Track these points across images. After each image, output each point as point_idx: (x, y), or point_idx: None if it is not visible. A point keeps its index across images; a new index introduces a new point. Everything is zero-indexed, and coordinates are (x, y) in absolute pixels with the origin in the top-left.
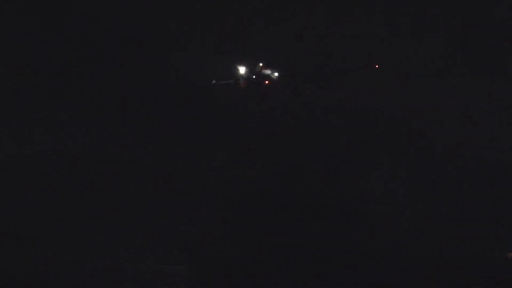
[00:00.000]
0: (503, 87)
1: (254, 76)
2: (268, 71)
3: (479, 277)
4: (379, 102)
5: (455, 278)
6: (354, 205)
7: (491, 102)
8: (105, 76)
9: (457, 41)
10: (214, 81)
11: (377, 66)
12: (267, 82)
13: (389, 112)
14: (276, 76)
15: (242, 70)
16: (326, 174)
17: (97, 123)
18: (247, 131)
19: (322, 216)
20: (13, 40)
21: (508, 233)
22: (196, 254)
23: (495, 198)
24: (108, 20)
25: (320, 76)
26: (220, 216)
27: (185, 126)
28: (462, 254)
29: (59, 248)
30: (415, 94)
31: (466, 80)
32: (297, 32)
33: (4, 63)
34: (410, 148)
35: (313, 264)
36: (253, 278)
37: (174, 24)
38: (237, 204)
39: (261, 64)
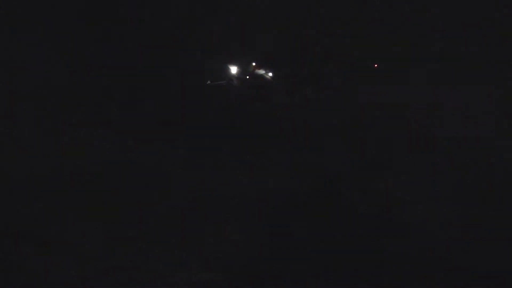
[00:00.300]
0: (503, 87)
1: (247, 77)
2: (262, 71)
3: (479, 277)
4: (379, 102)
5: (455, 278)
6: (354, 205)
7: (491, 102)
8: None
9: (457, 41)
10: (208, 82)
11: (376, 65)
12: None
13: (389, 112)
14: (270, 77)
15: (233, 70)
16: (325, 173)
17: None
18: (247, 131)
19: (322, 216)
20: (13, 40)
21: (508, 233)
22: (197, 254)
23: (495, 198)
24: (108, 20)
25: (319, 76)
26: (220, 216)
27: (185, 126)
28: (462, 254)
29: (59, 248)
30: (415, 94)
31: (466, 80)
32: (295, 31)
33: (4, 63)
34: (410, 148)
35: (313, 264)
36: (253, 278)
37: (171, 23)
38: (237, 204)
39: (254, 64)
